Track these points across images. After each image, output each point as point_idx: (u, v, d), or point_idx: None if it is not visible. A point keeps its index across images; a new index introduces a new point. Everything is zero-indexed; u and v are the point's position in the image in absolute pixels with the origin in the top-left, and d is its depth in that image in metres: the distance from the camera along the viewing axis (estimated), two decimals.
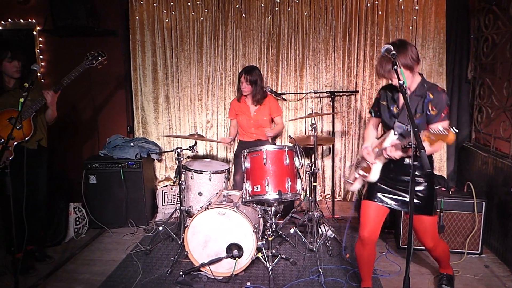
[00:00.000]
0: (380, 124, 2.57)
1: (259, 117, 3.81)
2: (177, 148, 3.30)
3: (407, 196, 2.34)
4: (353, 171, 2.69)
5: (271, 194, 2.96)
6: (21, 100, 2.38)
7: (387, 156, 2.22)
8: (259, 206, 3.22)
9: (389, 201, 2.41)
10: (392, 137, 2.30)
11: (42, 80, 4.34)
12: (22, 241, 2.67)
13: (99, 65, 3.18)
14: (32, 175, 3.01)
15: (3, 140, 2.40)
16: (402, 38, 4.01)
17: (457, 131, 1.74)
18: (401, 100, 2.31)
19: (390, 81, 2.24)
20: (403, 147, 2.27)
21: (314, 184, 3.41)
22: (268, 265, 2.88)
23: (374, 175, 2.39)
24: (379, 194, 2.42)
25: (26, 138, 2.91)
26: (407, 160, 2.27)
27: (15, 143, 2.82)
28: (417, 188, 2.32)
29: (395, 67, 1.98)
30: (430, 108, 2.21)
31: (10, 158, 2.78)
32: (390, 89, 2.40)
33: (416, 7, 3.98)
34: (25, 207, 2.96)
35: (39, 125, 3.07)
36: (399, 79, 1.96)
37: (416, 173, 2.25)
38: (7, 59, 2.90)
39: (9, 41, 4.16)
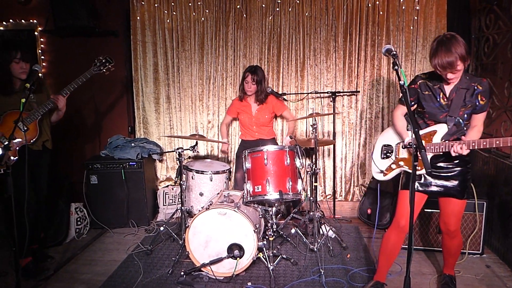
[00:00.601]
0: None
1: (260, 116, 3.82)
2: (178, 149, 3.31)
3: (447, 181, 2.42)
4: (379, 160, 2.69)
5: (272, 194, 2.96)
6: (23, 100, 2.37)
7: (456, 154, 2.23)
8: (260, 206, 3.23)
9: (427, 188, 2.46)
10: (444, 130, 2.34)
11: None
12: (23, 242, 2.67)
13: (106, 71, 3.18)
14: (34, 175, 3.01)
15: (11, 147, 2.39)
16: (402, 38, 4.04)
17: None
18: (448, 90, 2.34)
19: (449, 74, 2.22)
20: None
21: (315, 184, 3.41)
22: (269, 265, 2.88)
23: (427, 168, 2.40)
24: (417, 183, 2.45)
25: (32, 141, 2.89)
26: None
27: (17, 147, 2.81)
28: (452, 173, 2.41)
29: (396, 67, 1.98)
30: (479, 99, 2.28)
31: (15, 158, 2.78)
32: (430, 79, 2.40)
33: (417, 8, 3.98)
34: (26, 208, 2.97)
35: (44, 128, 3.05)
36: (399, 79, 1.96)
37: (455, 159, 2.36)
38: (15, 60, 2.84)
39: (17, 40, 4.14)
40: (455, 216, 2.49)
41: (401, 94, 2.63)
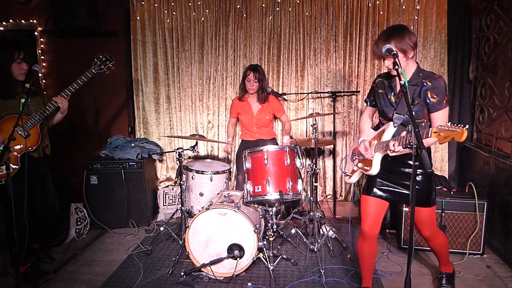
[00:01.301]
0: (376, 113, 2.57)
1: (261, 116, 3.82)
2: (178, 149, 3.30)
3: (405, 189, 2.34)
4: (349, 163, 2.69)
5: (272, 194, 2.96)
6: (22, 100, 2.34)
7: (392, 153, 2.16)
8: (260, 207, 3.22)
9: (387, 195, 2.40)
10: (392, 130, 2.28)
11: (44, 81, 4.35)
12: (22, 244, 2.65)
13: (107, 70, 3.11)
14: (40, 182, 2.96)
15: (10, 147, 2.31)
16: None
17: (467, 127, 1.70)
18: (398, 88, 2.29)
19: (385, 66, 2.21)
20: (404, 143, 2.25)
21: (315, 184, 3.41)
22: (269, 266, 2.88)
23: (375, 168, 2.37)
24: (376, 189, 2.41)
25: (34, 147, 2.82)
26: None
27: (18, 154, 2.75)
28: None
29: (396, 67, 1.97)
30: (429, 96, 2.17)
31: (17, 167, 2.74)
32: (386, 77, 2.39)
33: (418, 7, 3.98)
34: (36, 211, 2.93)
35: (44, 133, 2.96)
36: (400, 79, 1.96)
37: (411, 163, 2.25)
38: (17, 60, 2.73)
39: (19, 40, 4.07)
40: (425, 224, 2.43)
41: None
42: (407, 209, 3.21)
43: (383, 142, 2.27)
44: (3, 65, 2.73)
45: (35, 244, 3.17)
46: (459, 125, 1.72)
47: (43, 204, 3.07)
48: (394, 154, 2.15)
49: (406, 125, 2.20)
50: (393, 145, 2.12)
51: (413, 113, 2.15)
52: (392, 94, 2.32)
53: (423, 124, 2.26)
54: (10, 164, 2.69)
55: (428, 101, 2.18)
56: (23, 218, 2.57)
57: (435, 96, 2.16)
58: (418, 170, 2.29)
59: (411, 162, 2.19)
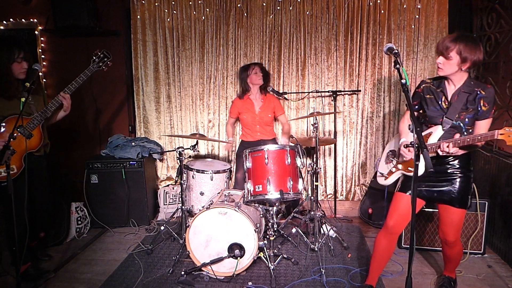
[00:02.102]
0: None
1: (264, 114, 3.82)
2: (178, 148, 3.30)
3: (445, 186, 2.37)
4: (383, 164, 2.69)
5: (272, 193, 2.95)
6: (22, 99, 2.33)
7: (443, 153, 2.21)
8: (260, 206, 3.22)
9: (424, 193, 2.42)
10: (439, 133, 2.31)
11: (44, 80, 4.34)
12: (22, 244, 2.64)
13: (105, 67, 3.09)
14: (40, 180, 2.96)
15: (12, 148, 2.29)
16: (404, 37, 4.03)
17: None
18: (450, 93, 2.31)
19: (440, 58, 2.24)
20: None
21: (316, 183, 3.40)
22: (269, 265, 2.88)
23: (420, 170, 2.35)
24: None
25: (37, 148, 2.82)
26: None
27: (21, 155, 2.74)
28: (453, 180, 2.36)
29: (397, 66, 1.97)
30: (482, 104, 2.23)
31: (21, 168, 2.74)
32: (434, 83, 2.40)
33: (419, 6, 3.97)
34: (32, 210, 2.91)
35: (44, 132, 2.95)
36: (401, 78, 1.95)
37: (454, 163, 2.34)
38: (18, 59, 2.72)
39: (19, 39, 4.06)
40: (454, 226, 2.43)
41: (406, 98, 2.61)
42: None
43: (431, 144, 2.29)
44: (3, 64, 2.71)
45: (32, 242, 3.16)
46: None
47: (42, 202, 3.07)
48: (445, 154, 2.22)
49: (454, 129, 2.28)
50: (447, 146, 2.18)
51: (466, 119, 2.26)
52: (444, 99, 2.33)
53: (471, 130, 2.31)
54: (14, 166, 2.69)
55: (479, 109, 2.24)
56: (24, 217, 2.57)
57: (486, 105, 2.22)
58: (456, 170, 2.36)
59: (452, 163, 2.33)
